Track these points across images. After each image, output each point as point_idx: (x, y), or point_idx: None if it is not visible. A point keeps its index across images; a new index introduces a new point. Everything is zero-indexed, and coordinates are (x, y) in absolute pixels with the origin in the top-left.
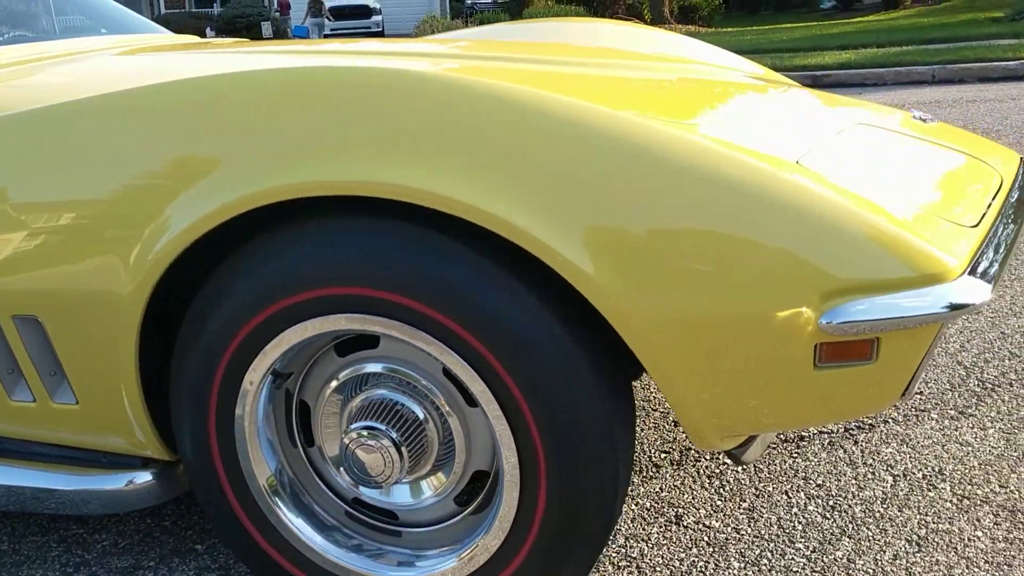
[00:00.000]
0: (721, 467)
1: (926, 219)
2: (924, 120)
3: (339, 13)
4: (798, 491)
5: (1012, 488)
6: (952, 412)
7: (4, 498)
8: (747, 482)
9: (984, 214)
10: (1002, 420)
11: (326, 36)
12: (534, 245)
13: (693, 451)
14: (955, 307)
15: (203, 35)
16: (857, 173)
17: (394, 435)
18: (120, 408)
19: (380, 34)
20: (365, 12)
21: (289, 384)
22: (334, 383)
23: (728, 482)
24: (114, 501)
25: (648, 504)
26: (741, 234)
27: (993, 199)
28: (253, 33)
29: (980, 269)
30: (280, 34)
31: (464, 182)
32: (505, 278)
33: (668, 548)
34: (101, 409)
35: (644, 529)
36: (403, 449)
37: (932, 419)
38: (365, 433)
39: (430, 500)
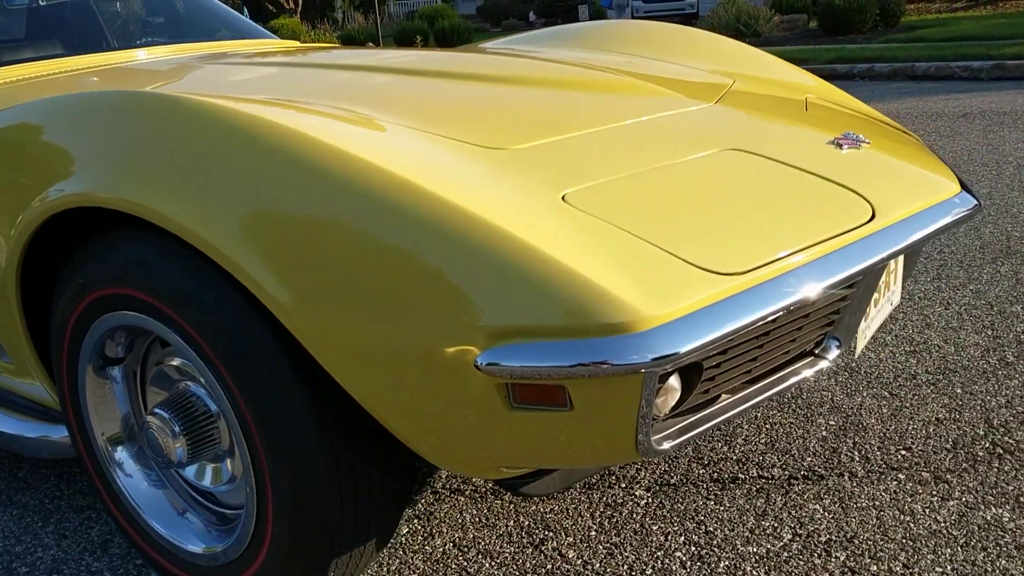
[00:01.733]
0: (625, 497)
1: (657, 265)
2: (840, 146)
3: None
4: (681, 534)
5: (916, 571)
6: (925, 475)
7: None
8: (640, 516)
9: (774, 260)
10: (975, 492)
11: (637, 18)
12: (206, 247)
13: (625, 477)
14: (642, 361)
15: (527, 19)
16: (629, 210)
17: (175, 424)
18: (31, 367)
19: (695, 16)
20: None
21: (130, 366)
22: (154, 370)
23: (621, 512)
24: (60, 449)
25: (528, 524)
26: (414, 266)
27: (822, 242)
28: (571, 16)
29: (708, 320)
30: (598, 15)
31: (146, 189)
32: (229, 287)
33: (508, 568)
34: (24, 368)
35: (502, 547)
36: (182, 437)
37: (896, 479)
38: (155, 418)
39: (223, 487)
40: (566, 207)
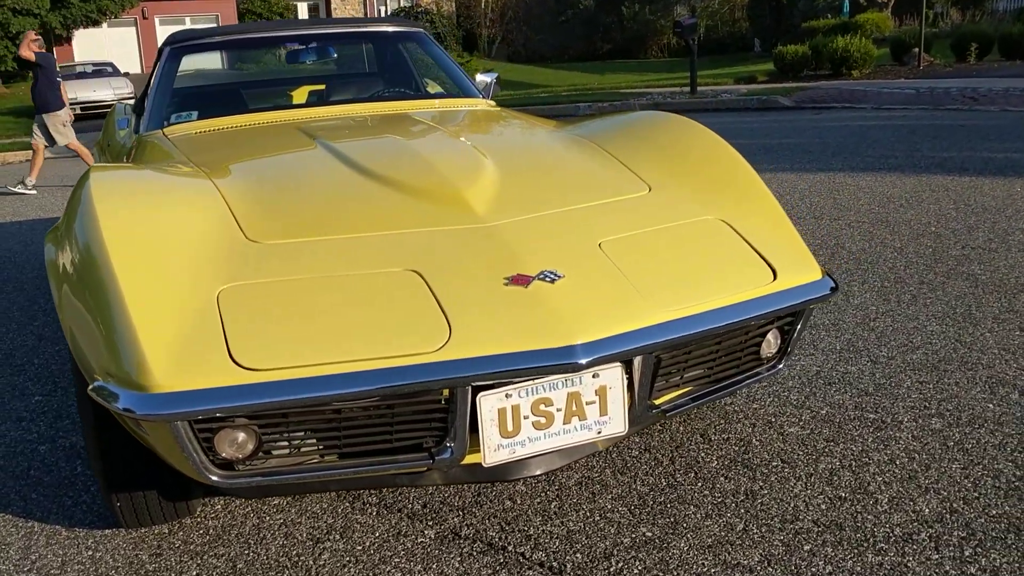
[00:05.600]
0: (416, 530)
1: (207, 354)
2: (508, 282)
3: None
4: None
5: None
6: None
7: None
8: (416, 548)
9: (307, 365)
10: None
11: None
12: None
13: None
14: (148, 413)
15: None
16: (250, 308)
17: None
18: None
19: None
20: None
21: None
22: None
23: (399, 542)
24: None
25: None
26: (92, 317)
27: (373, 359)
28: None
29: (203, 397)
30: None
31: None
32: None
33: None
34: None
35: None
36: None
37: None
38: None
39: None
40: (209, 300)
